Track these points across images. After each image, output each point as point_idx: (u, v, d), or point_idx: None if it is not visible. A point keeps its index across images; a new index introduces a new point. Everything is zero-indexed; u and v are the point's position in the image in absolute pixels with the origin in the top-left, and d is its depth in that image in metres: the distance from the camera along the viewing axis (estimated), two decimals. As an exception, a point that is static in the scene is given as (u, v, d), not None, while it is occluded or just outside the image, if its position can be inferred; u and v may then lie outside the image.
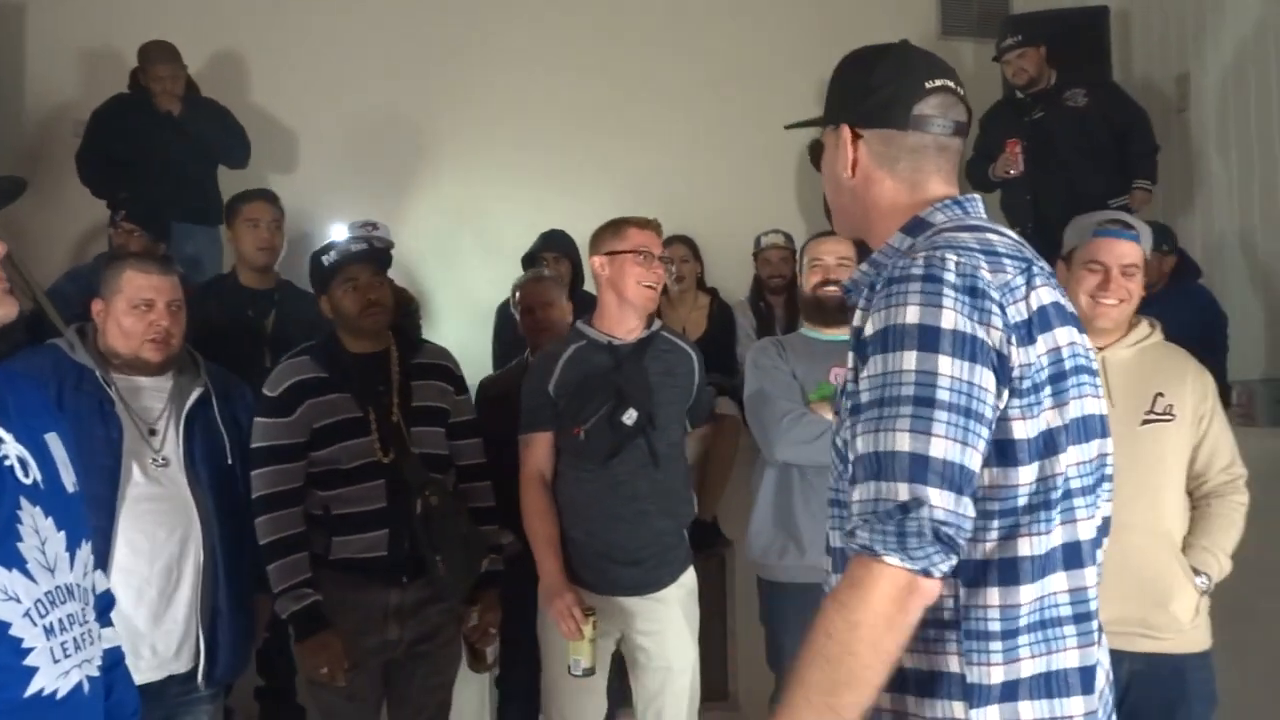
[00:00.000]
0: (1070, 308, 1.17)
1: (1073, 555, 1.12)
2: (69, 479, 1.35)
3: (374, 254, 2.49)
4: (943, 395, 1.02)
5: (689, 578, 2.51)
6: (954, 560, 1.03)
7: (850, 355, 1.15)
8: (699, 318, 4.18)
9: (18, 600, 1.19)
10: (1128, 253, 2.14)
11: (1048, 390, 1.10)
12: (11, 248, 3.48)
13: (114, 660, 1.46)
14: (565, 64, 4.88)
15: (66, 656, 1.24)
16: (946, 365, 1.03)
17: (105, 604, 1.50)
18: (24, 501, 1.23)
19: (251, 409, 2.36)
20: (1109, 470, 1.20)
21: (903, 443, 1.02)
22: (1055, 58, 4.32)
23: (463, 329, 3.80)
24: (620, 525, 2.39)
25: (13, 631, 1.18)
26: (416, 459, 2.35)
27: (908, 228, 1.20)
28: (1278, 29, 3.95)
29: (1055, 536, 1.11)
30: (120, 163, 4.08)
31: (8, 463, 1.23)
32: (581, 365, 2.43)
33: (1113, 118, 4.24)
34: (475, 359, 3.26)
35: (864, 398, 1.07)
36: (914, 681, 1.11)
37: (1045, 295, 1.12)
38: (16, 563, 1.20)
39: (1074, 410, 1.12)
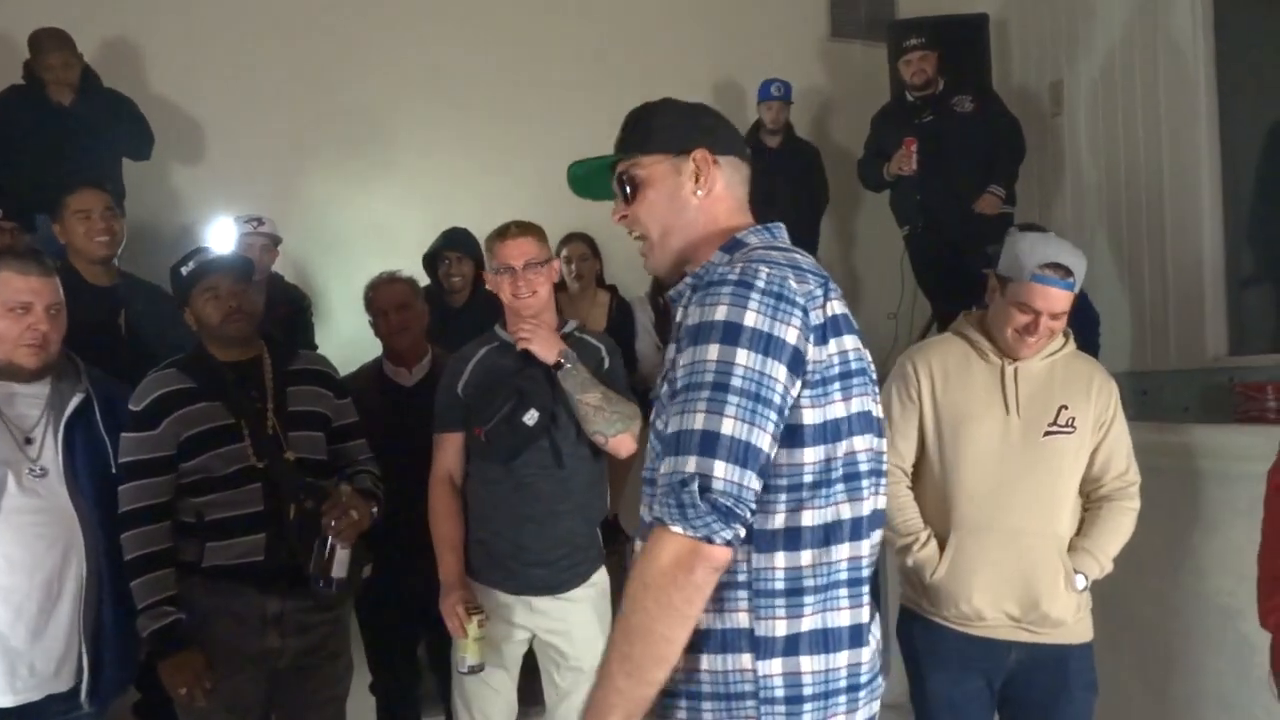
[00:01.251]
0: (853, 321, 1.33)
1: (855, 528, 1.28)
2: None
3: (234, 262, 2.45)
4: (736, 382, 1.17)
5: (600, 577, 2.53)
6: (736, 529, 1.16)
7: (671, 347, 1.29)
8: (599, 314, 4.21)
9: None
10: (1060, 301, 2.19)
11: (836, 385, 1.26)
12: None
13: None
14: (465, 54, 4.83)
15: None
16: (743, 357, 1.18)
17: None
18: None
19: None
20: (884, 464, 1.36)
21: (698, 422, 1.16)
22: (941, 63, 4.48)
23: (358, 326, 3.73)
24: (528, 525, 2.40)
25: None
26: (290, 464, 2.31)
27: (727, 246, 1.35)
28: (1143, 38, 4.18)
29: (838, 511, 1.26)
30: (9, 154, 3.85)
31: None
32: (489, 367, 2.45)
33: (994, 124, 4.44)
34: (369, 355, 3.21)
35: (677, 384, 1.21)
36: (705, 639, 1.24)
37: (837, 307, 1.29)
38: None
39: (856, 405, 1.28)
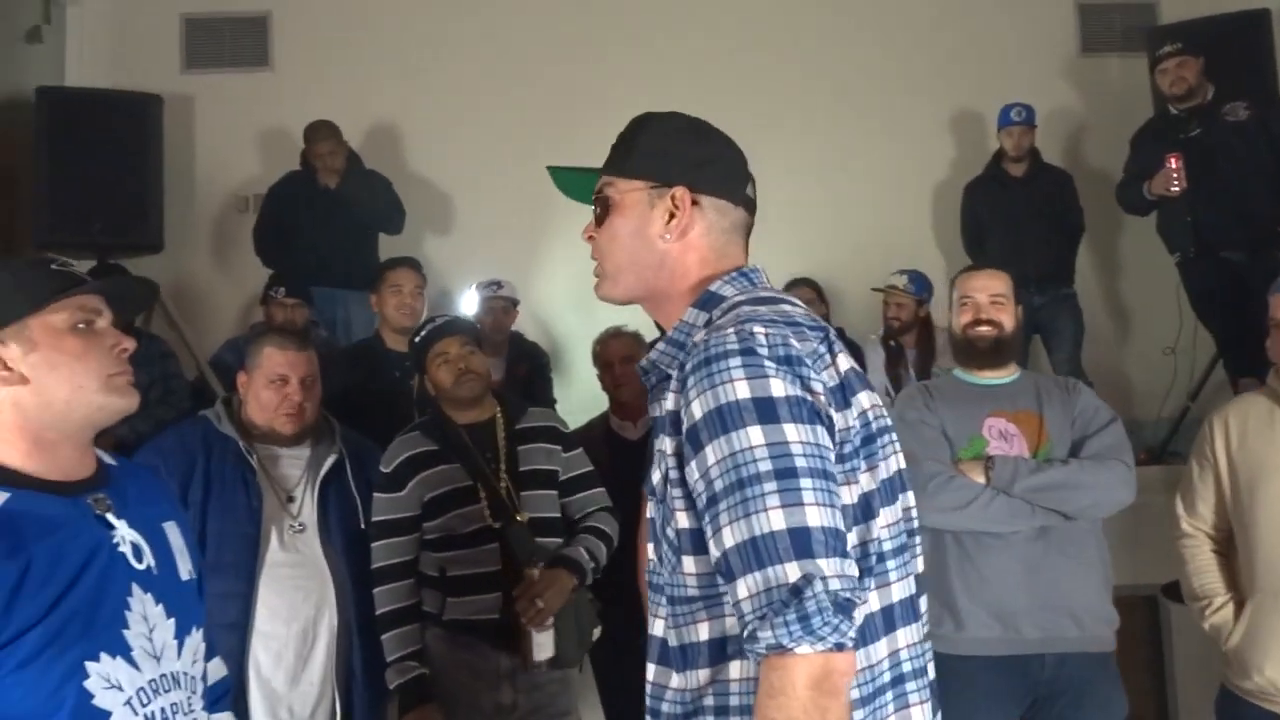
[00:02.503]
0: (864, 374, 1.16)
1: (887, 618, 1.11)
2: (185, 567, 1.38)
3: (461, 326, 2.58)
4: (800, 463, 1.00)
5: None
6: (857, 623, 0.99)
7: (665, 440, 1.11)
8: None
9: (119, 688, 1.20)
10: None
11: (861, 454, 1.09)
12: (178, 319, 3.74)
13: None
14: (700, 108, 4.91)
15: None
16: (793, 432, 1.01)
17: (221, 690, 1.52)
18: (135, 588, 1.26)
19: (384, 474, 2.45)
20: (915, 524, 1.18)
21: (778, 521, 0.98)
22: (1212, 70, 4.02)
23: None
24: None
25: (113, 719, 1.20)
26: (523, 528, 2.37)
27: (700, 302, 1.19)
28: None
29: (871, 603, 1.08)
30: (287, 235, 4.38)
31: (120, 549, 1.26)
32: None
33: (1277, 132, 3.91)
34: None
35: (717, 486, 1.01)
36: None
37: (844, 362, 1.12)
38: (121, 650, 1.22)
39: (883, 472, 1.11)
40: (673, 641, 1.11)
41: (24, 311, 1.25)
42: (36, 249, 4.18)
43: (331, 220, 4.34)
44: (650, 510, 1.16)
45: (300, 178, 4.48)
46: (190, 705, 1.31)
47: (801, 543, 0.97)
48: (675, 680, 1.11)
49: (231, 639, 2.13)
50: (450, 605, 2.37)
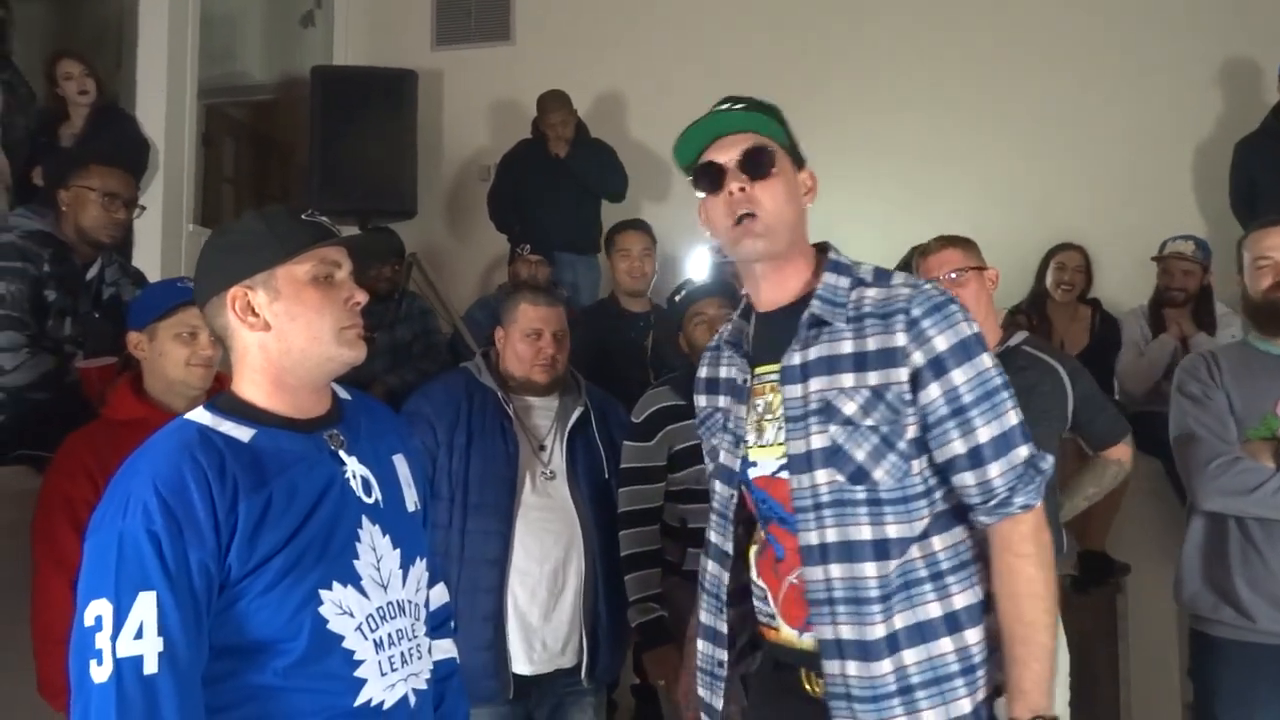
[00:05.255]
0: None
1: None
2: (411, 499, 1.44)
3: (720, 288, 2.60)
4: (1003, 379, 1.39)
5: None
6: None
7: (848, 376, 1.38)
8: (1079, 330, 3.87)
9: (351, 615, 1.28)
10: None
11: None
12: (435, 280, 4.02)
13: (447, 672, 1.53)
14: (920, 55, 4.74)
15: (394, 670, 1.32)
16: (991, 359, 1.39)
17: (443, 617, 1.57)
18: (364, 520, 1.33)
19: (625, 428, 2.54)
20: None
21: (1012, 418, 1.37)
22: None
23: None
24: None
25: (345, 644, 1.27)
26: None
27: (833, 267, 1.46)
28: None
29: None
30: (519, 201, 4.60)
31: (351, 483, 1.33)
32: None
33: None
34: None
35: (966, 398, 1.36)
36: (976, 612, 1.40)
37: None
38: (352, 579, 1.29)
39: None
40: (891, 535, 1.37)
41: (274, 261, 1.30)
42: (309, 215, 4.59)
43: (560, 188, 4.51)
44: (822, 440, 1.39)
45: (532, 146, 4.67)
46: (414, 631, 1.38)
47: (1024, 433, 1.39)
48: (876, 569, 1.37)
49: (493, 574, 2.28)
50: (690, 556, 2.43)
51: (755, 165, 1.43)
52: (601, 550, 2.40)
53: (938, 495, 1.40)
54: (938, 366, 1.36)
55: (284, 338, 1.31)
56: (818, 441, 1.39)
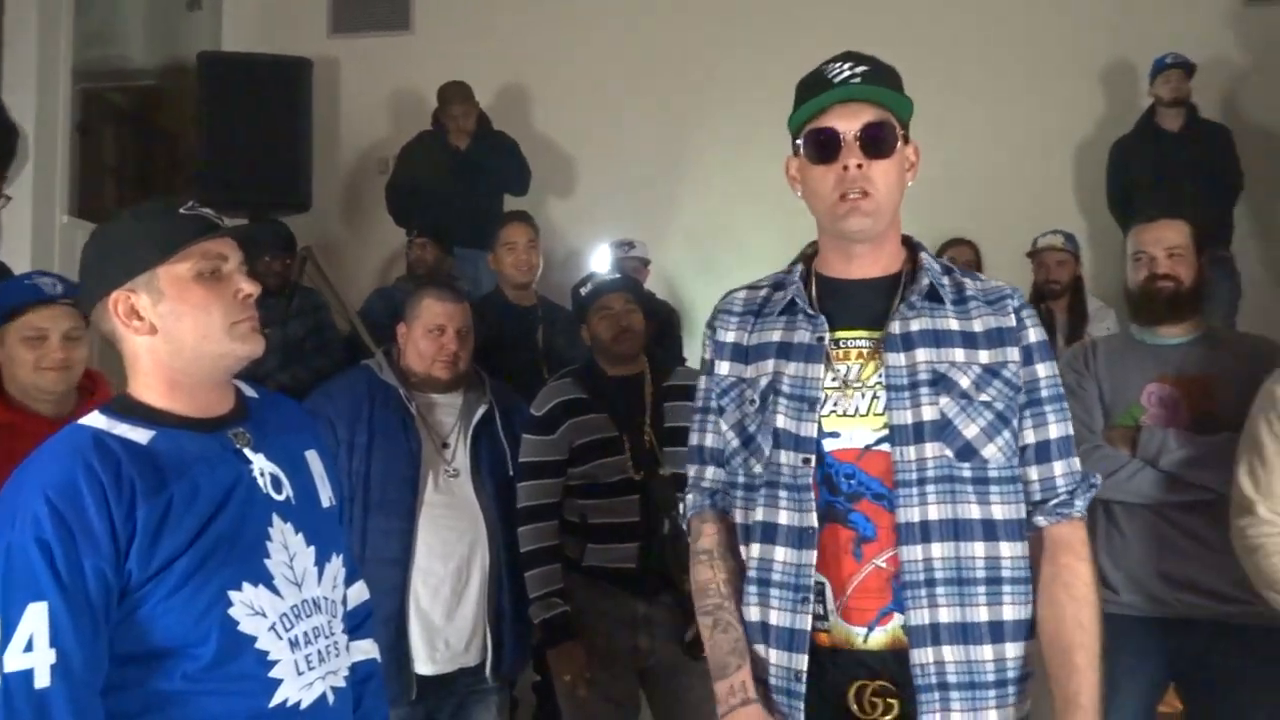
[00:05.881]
0: None
1: None
2: (325, 494, 1.42)
3: (626, 284, 2.61)
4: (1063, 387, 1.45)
5: None
6: None
7: (961, 352, 1.38)
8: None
9: (263, 614, 1.26)
10: None
11: None
12: (330, 274, 3.91)
13: (366, 673, 1.50)
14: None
15: (311, 668, 1.29)
16: None
17: (363, 616, 1.54)
18: (275, 518, 1.30)
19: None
20: None
21: (1072, 427, 1.43)
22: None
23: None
24: None
25: (258, 644, 1.25)
26: (665, 479, 2.41)
27: (917, 247, 1.47)
28: None
29: None
30: (418, 194, 4.52)
31: (259, 481, 1.31)
32: None
33: None
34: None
35: (1045, 392, 1.41)
36: (1027, 627, 1.38)
37: None
38: (263, 578, 1.27)
39: None
40: (997, 515, 1.36)
41: (152, 261, 1.26)
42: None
43: (461, 181, 4.45)
44: (933, 413, 1.36)
45: (432, 138, 4.60)
46: (331, 628, 1.36)
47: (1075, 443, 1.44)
48: (1010, 549, 1.36)
49: (394, 573, 2.25)
50: (589, 552, 2.44)
51: (877, 144, 1.36)
52: (506, 548, 2.39)
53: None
54: (1028, 356, 1.39)
55: (173, 339, 1.28)
56: (928, 413, 1.35)
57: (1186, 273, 2.22)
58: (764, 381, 1.42)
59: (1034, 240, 4.01)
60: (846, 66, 1.37)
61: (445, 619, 2.30)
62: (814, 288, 1.46)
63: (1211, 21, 4.72)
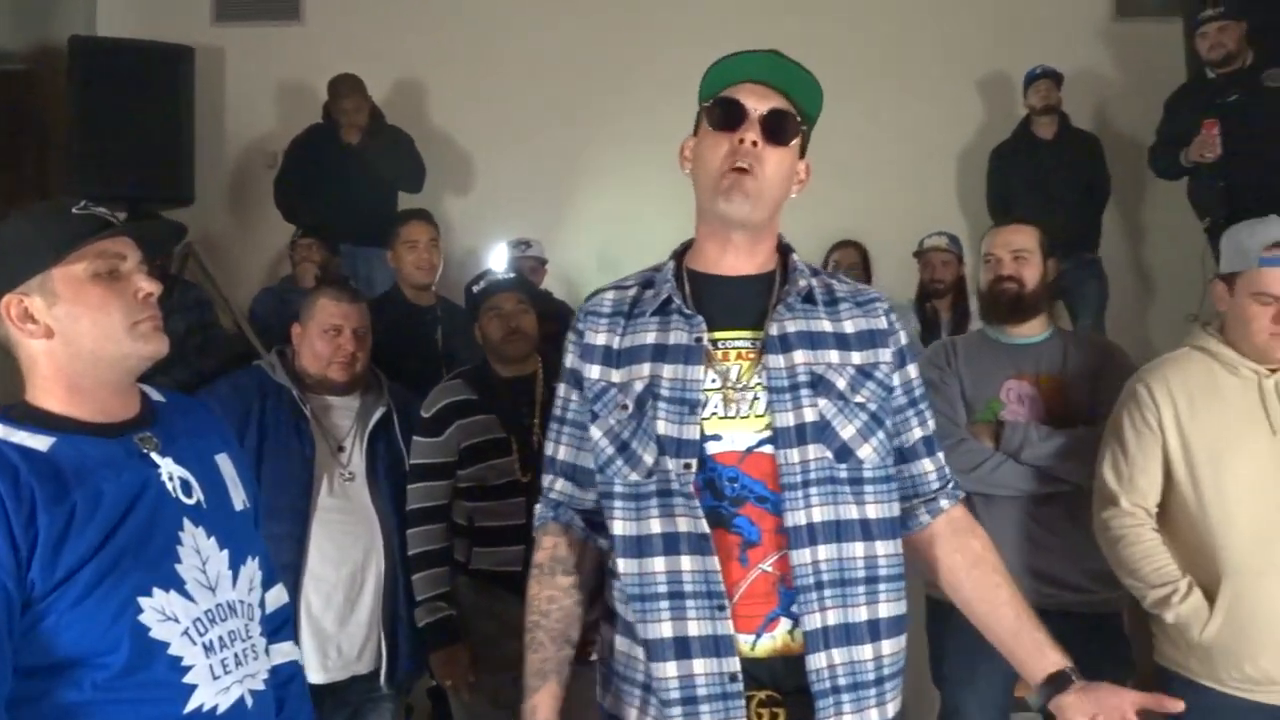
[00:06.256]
0: None
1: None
2: (238, 498, 1.41)
3: (518, 283, 2.60)
4: None
5: None
6: None
7: (834, 353, 1.39)
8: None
9: (175, 620, 1.24)
10: None
11: None
12: (213, 271, 3.78)
13: (288, 676, 1.50)
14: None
15: (227, 673, 1.28)
16: None
17: (282, 619, 1.53)
18: (186, 522, 1.29)
19: (425, 425, 2.49)
20: None
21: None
22: (1252, 36, 4.00)
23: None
24: None
25: (171, 650, 1.23)
26: None
27: (787, 249, 1.48)
28: None
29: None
30: (308, 189, 4.39)
31: (168, 485, 1.29)
32: None
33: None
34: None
35: (918, 391, 1.46)
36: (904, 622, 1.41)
37: None
38: (174, 583, 1.25)
39: None
40: (871, 515, 1.37)
41: (46, 263, 1.24)
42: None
43: (353, 177, 4.34)
44: (813, 414, 1.35)
45: (322, 132, 4.47)
46: (248, 631, 1.35)
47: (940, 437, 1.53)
48: (885, 548, 1.37)
49: (285, 580, 2.13)
50: (476, 555, 2.43)
51: (778, 129, 1.36)
52: (402, 553, 2.36)
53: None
54: (901, 358, 1.44)
55: (71, 342, 1.26)
56: (809, 415, 1.34)
57: (1031, 275, 2.32)
58: (639, 386, 1.37)
59: (920, 241, 4.16)
60: (775, 56, 1.41)
61: (338, 626, 2.26)
62: (687, 285, 1.43)
63: (1084, 35, 4.97)
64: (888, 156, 4.88)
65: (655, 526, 1.34)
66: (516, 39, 4.98)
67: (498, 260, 4.30)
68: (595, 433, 1.42)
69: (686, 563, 1.32)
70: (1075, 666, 1.39)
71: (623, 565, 1.37)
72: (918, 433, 1.46)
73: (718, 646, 1.31)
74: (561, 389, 1.49)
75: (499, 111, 4.94)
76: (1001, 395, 2.30)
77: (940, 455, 1.49)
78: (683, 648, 1.32)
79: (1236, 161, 3.89)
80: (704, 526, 1.31)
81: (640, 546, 1.35)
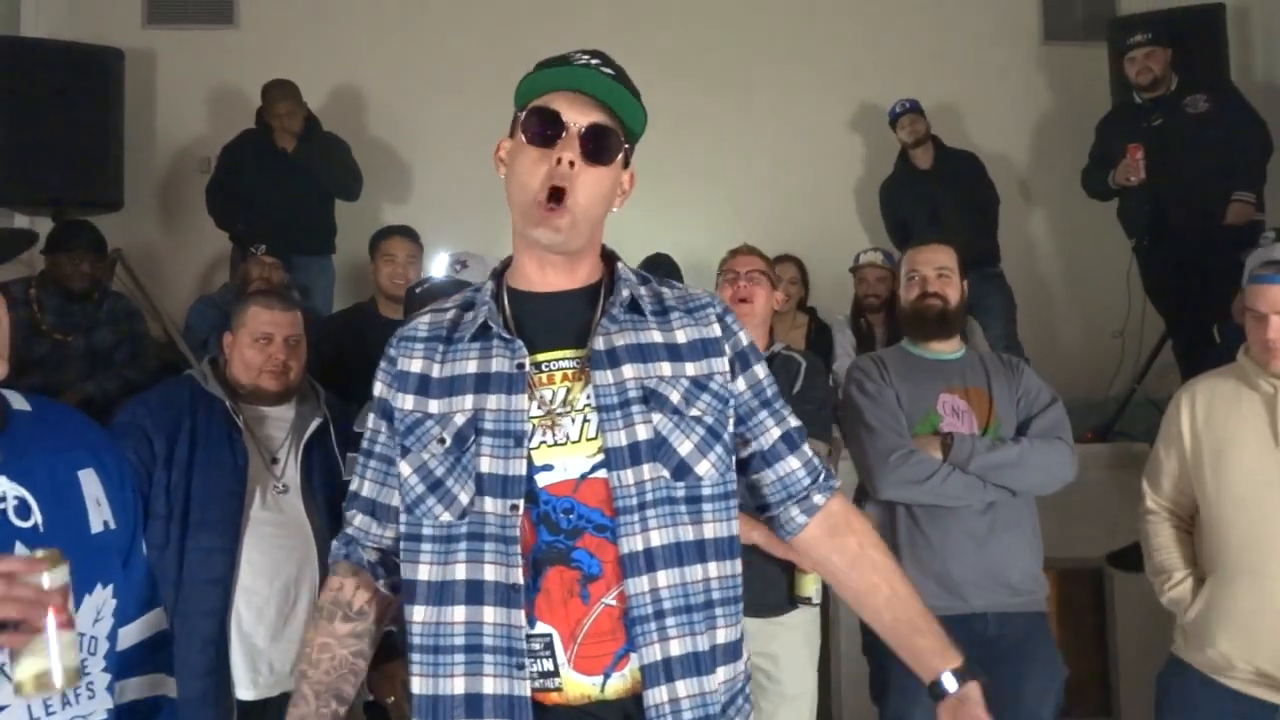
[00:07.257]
0: None
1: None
2: (99, 518, 1.27)
3: (459, 287, 2.57)
4: None
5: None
6: None
7: (667, 365, 1.31)
8: (797, 337, 4.17)
9: None
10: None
11: None
12: (143, 279, 3.67)
13: (150, 710, 1.35)
14: (663, 82, 4.93)
15: (50, 714, 1.15)
16: None
17: (147, 650, 1.36)
18: (18, 547, 1.15)
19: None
20: None
21: (795, 418, 1.42)
22: (1171, 61, 4.15)
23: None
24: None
25: None
26: None
27: (612, 259, 1.38)
28: None
29: None
30: (242, 196, 4.31)
31: (1, 506, 1.16)
32: None
33: (1234, 124, 4.05)
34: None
35: (769, 392, 1.39)
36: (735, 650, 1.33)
37: None
38: None
39: None
40: (708, 535, 1.28)
41: None
42: (-9, 202, 4.07)
43: (288, 183, 4.28)
44: (647, 431, 1.26)
45: (256, 137, 4.40)
46: (84, 668, 1.19)
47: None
48: (719, 569, 1.29)
49: (215, 594, 2.14)
50: None
51: (598, 148, 1.27)
52: (338, 565, 2.30)
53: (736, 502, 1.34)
54: (743, 360, 1.36)
55: None
56: (643, 432, 1.25)
57: (953, 293, 2.41)
58: (460, 419, 1.27)
59: (856, 256, 4.22)
60: (595, 61, 1.30)
61: (270, 641, 2.20)
62: (508, 306, 1.34)
63: (1016, 58, 5.10)
64: (827, 174, 4.95)
65: (460, 573, 1.24)
66: (455, 45, 4.95)
67: (439, 267, 4.25)
68: (405, 469, 1.31)
69: (489, 614, 1.22)
70: (962, 667, 1.33)
71: (420, 613, 1.26)
72: (776, 432, 1.37)
73: (512, 708, 1.21)
74: (371, 419, 1.39)
75: (438, 120, 4.90)
76: (939, 408, 2.34)
77: (806, 449, 1.39)
78: (475, 706, 1.22)
79: (1160, 184, 4.03)
80: (516, 576, 1.22)
81: (441, 594, 1.25)
